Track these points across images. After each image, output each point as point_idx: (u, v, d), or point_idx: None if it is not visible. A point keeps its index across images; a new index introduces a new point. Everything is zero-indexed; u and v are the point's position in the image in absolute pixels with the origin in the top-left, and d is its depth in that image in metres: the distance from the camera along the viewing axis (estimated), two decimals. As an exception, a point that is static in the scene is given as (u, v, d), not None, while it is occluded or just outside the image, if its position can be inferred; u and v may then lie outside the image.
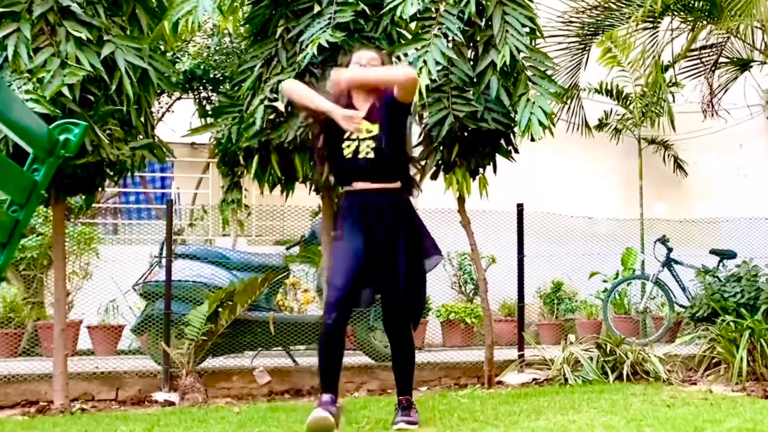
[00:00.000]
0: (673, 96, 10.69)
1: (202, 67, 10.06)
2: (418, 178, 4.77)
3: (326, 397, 4.29)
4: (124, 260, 9.05)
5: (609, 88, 11.36)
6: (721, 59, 8.62)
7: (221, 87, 9.90)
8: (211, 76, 10.19)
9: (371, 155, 4.43)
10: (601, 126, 11.46)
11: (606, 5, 7.67)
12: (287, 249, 8.11)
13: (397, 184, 4.52)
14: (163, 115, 10.82)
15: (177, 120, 10.48)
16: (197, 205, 11.65)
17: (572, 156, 11.58)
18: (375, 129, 4.45)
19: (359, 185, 4.50)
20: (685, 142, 11.70)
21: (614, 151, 11.84)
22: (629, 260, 11.17)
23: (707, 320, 7.62)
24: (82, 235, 8.98)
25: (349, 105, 4.51)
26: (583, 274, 10.62)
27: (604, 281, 10.65)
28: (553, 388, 6.59)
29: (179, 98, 10.88)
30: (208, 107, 10.15)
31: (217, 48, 10.18)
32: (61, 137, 2.42)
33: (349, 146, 4.45)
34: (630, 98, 11.41)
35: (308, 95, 4.56)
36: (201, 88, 10.26)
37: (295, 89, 4.70)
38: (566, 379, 6.82)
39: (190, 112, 10.43)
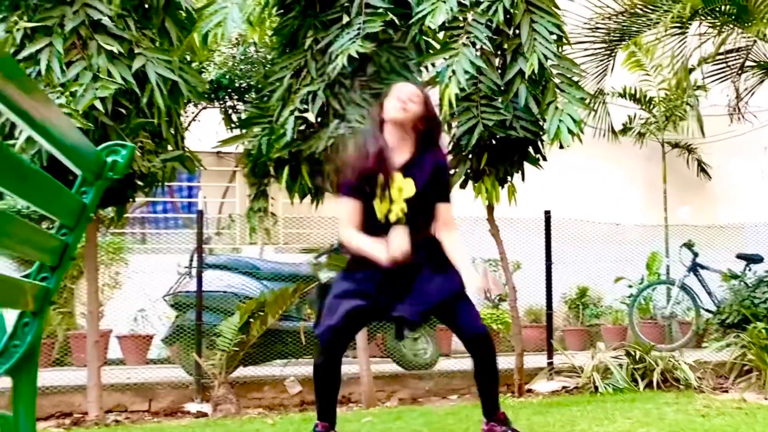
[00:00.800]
0: (697, 99, 10.58)
1: (227, 76, 10.03)
2: None
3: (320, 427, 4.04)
4: (152, 269, 9.04)
5: (632, 92, 11.29)
6: (748, 62, 8.51)
7: (246, 96, 9.90)
8: (237, 85, 10.16)
9: (402, 219, 3.86)
10: (624, 130, 11.37)
11: (632, 11, 7.59)
12: (316, 258, 8.07)
13: (425, 233, 3.97)
14: (189, 125, 10.80)
15: (203, 129, 10.47)
16: (224, 214, 11.64)
17: (596, 160, 11.49)
18: (409, 189, 3.90)
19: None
20: (709, 145, 11.58)
21: (638, 155, 11.75)
22: (654, 265, 11.07)
23: (737, 327, 7.51)
24: (112, 245, 8.98)
25: (387, 155, 3.92)
26: (607, 279, 10.53)
27: (629, 286, 10.55)
28: (584, 396, 6.51)
29: (205, 108, 10.87)
30: (233, 116, 10.13)
31: (242, 57, 10.16)
32: (109, 159, 2.38)
33: (380, 210, 3.88)
34: (653, 102, 11.32)
35: (359, 250, 3.92)
36: (227, 97, 10.23)
37: (351, 245, 3.97)
38: (596, 387, 6.75)
39: (216, 122, 10.41)
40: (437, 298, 3.86)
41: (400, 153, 3.95)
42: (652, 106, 11.39)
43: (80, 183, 2.37)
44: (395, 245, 3.79)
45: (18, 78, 1.69)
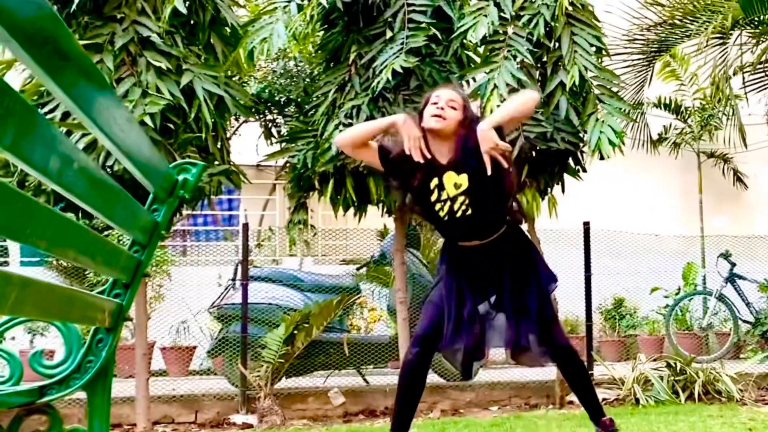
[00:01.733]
0: (734, 110, 10.48)
1: (267, 90, 10.08)
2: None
3: None
4: (193, 281, 9.10)
5: (667, 102, 11.20)
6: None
7: (286, 110, 9.93)
8: (277, 99, 10.21)
9: (469, 212, 3.79)
10: (660, 140, 11.29)
11: (671, 22, 7.54)
12: (357, 269, 8.07)
13: (503, 229, 3.89)
14: (230, 138, 10.87)
15: (244, 143, 10.52)
16: (264, 227, 11.68)
17: (632, 170, 11.40)
18: (464, 181, 3.80)
19: (465, 244, 3.88)
20: (745, 154, 11.46)
21: (673, 165, 11.66)
22: (690, 275, 10.96)
23: (780, 338, 7.41)
24: (155, 257, 9.04)
25: (430, 157, 3.85)
26: (643, 289, 10.44)
27: (666, 296, 10.45)
28: (626, 408, 6.45)
29: (246, 121, 10.93)
30: (273, 130, 10.17)
31: (282, 72, 10.20)
32: (180, 177, 2.40)
33: (442, 208, 3.81)
34: (688, 112, 11.24)
35: (360, 129, 4.15)
36: (267, 111, 10.28)
37: (347, 134, 4.15)
38: (637, 400, 6.68)
39: (256, 135, 10.46)
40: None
41: (445, 153, 3.84)
42: (687, 116, 11.30)
43: (152, 200, 2.39)
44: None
45: (104, 92, 1.70)
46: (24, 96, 5.81)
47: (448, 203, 3.80)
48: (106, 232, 6.76)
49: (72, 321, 2.17)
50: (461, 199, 3.78)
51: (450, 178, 3.80)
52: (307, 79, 9.49)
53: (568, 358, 4.03)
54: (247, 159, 10.78)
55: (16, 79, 6.09)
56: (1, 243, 9.71)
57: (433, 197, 3.81)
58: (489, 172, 3.72)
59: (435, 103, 3.88)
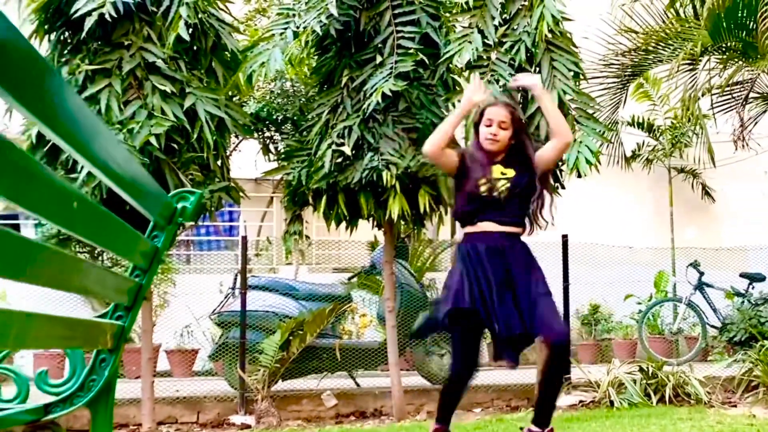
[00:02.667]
0: (703, 129, 10.51)
1: (266, 109, 10.07)
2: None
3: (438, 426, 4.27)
4: (196, 288, 9.06)
5: (640, 121, 11.23)
6: (752, 94, 8.45)
7: (283, 127, 9.91)
8: (274, 117, 10.19)
9: (505, 194, 4.03)
10: (633, 157, 11.32)
11: (644, 48, 7.55)
12: (348, 279, 8.06)
13: (521, 230, 4.13)
14: (230, 154, 10.85)
15: (243, 158, 10.51)
16: (262, 237, 11.65)
17: (607, 185, 11.39)
18: (510, 173, 4.10)
19: (485, 225, 4.06)
20: (712, 170, 11.49)
21: (646, 180, 11.68)
22: (661, 283, 10.97)
23: (744, 344, 7.42)
24: (161, 266, 9.00)
25: (483, 157, 4.16)
26: (617, 296, 10.44)
27: (639, 303, 10.45)
28: (601, 411, 6.43)
29: (245, 138, 10.92)
30: (271, 146, 10.16)
31: (279, 92, 10.19)
32: (179, 205, 2.38)
33: (485, 185, 4.05)
34: (660, 130, 11.27)
35: (441, 128, 4.25)
36: (265, 129, 10.27)
37: (433, 139, 4.20)
38: (612, 402, 6.66)
39: (255, 151, 10.44)
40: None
41: (498, 155, 4.16)
42: (659, 134, 11.33)
43: (152, 228, 2.37)
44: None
45: (98, 130, 1.68)
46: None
47: (491, 183, 4.06)
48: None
49: (75, 347, 2.15)
50: (503, 182, 4.07)
51: (498, 168, 4.12)
52: (303, 99, 9.48)
53: (562, 351, 4.04)
54: (247, 173, 10.77)
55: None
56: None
57: (480, 175, 4.08)
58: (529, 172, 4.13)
59: (488, 126, 4.15)
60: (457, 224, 4.64)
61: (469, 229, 4.12)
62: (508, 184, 4.06)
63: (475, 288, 3.95)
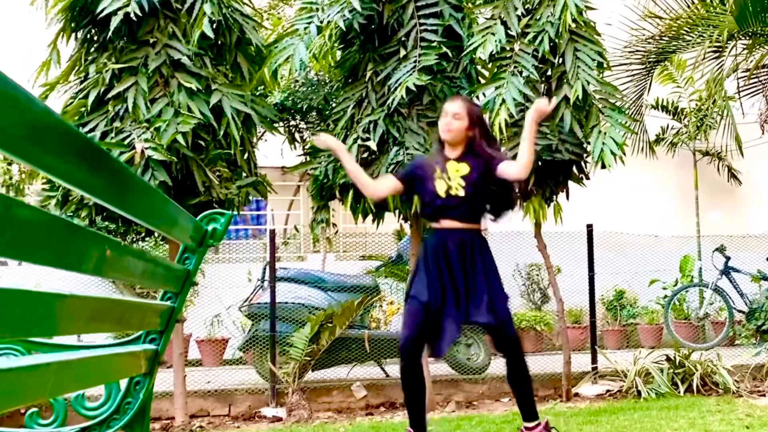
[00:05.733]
0: (727, 112, 10.33)
1: (290, 99, 10.04)
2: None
3: None
4: (225, 278, 9.10)
5: (665, 104, 11.07)
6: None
7: (308, 116, 9.89)
8: (299, 106, 10.17)
9: (461, 193, 4.16)
10: (658, 140, 11.17)
11: (669, 34, 7.42)
12: (376, 270, 8.05)
13: (480, 225, 4.28)
14: (256, 143, 10.85)
15: (269, 147, 10.49)
16: (289, 225, 11.66)
17: (632, 169, 11.26)
18: (464, 169, 4.22)
19: (446, 223, 4.20)
20: (738, 152, 11.31)
21: (670, 164, 11.52)
22: (687, 267, 10.86)
23: (773, 331, 7.33)
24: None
25: (443, 154, 4.32)
26: (642, 280, 10.35)
27: (664, 288, 10.36)
28: (629, 402, 6.38)
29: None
30: (296, 135, 10.15)
31: (304, 81, 10.16)
32: (209, 227, 2.37)
33: (441, 185, 4.19)
34: (684, 113, 11.11)
35: (355, 179, 4.44)
36: (290, 118, 10.25)
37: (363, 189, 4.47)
38: (639, 392, 6.61)
39: (281, 139, 10.43)
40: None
41: (454, 150, 4.30)
42: (683, 117, 11.17)
43: (182, 251, 2.36)
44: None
45: (126, 177, 1.67)
46: (65, 117, 5.79)
47: (447, 182, 4.20)
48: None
49: (113, 380, 2.15)
50: (458, 181, 4.19)
51: (453, 166, 4.24)
52: (327, 88, 9.44)
53: (516, 352, 4.22)
54: (273, 161, 10.75)
55: (57, 101, 6.07)
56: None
57: (436, 175, 4.22)
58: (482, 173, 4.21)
59: (444, 117, 4.33)
60: None
61: (434, 225, 4.30)
62: (463, 183, 4.19)
63: (436, 282, 4.08)
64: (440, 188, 4.20)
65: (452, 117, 4.28)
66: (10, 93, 0.91)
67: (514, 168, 4.16)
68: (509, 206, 4.41)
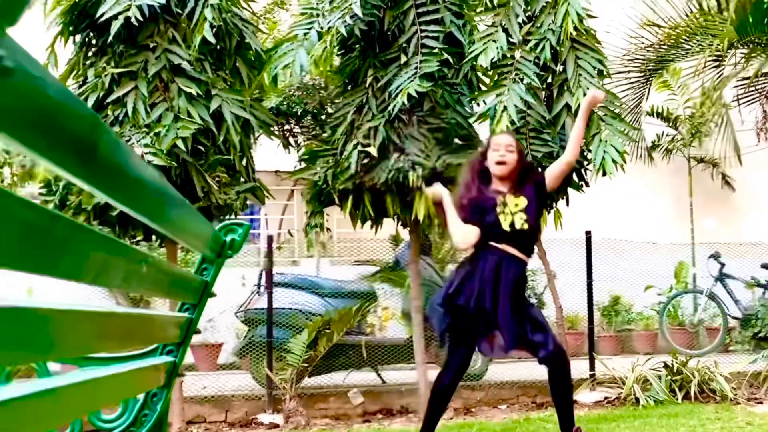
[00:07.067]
0: (724, 119, 10.40)
1: (285, 103, 10.04)
2: None
3: None
4: (218, 282, 9.04)
5: (660, 111, 11.14)
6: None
7: (303, 120, 9.89)
8: (294, 111, 10.16)
9: (526, 226, 4.35)
10: (653, 147, 11.23)
11: (668, 43, 7.47)
12: (373, 275, 8.06)
13: (529, 258, 4.46)
14: (254, 149, 10.84)
15: (263, 150, 10.48)
16: (283, 230, 11.64)
17: (628, 175, 11.31)
18: (522, 203, 4.39)
19: (504, 247, 4.37)
20: (732, 159, 11.38)
21: (665, 170, 11.59)
22: (681, 274, 10.92)
23: (769, 339, 7.37)
24: (183, 261, 9.02)
25: (492, 188, 4.49)
26: (637, 286, 10.39)
27: (659, 294, 10.41)
28: (627, 410, 6.41)
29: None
30: (291, 139, 10.14)
31: (300, 85, 10.15)
32: (228, 238, 2.37)
33: (505, 220, 4.35)
34: (679, 120, 11.18)
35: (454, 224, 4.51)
36: (284, 122, 10.24)
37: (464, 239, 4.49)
38: (637, 399, 6.64)
39: (274, 144, 10.41)
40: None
41: (504, 183, 4.47)
42: (678, 124, 11.23)
43: (201, 261, 2.36)
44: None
45: (164, 195, 1.66)
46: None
47: (510, 217, 4.35)
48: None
49: (134, 396, 2.14)
50: (521, 216, 4.35)
51: (512, 200, 4.39)
52: (323, 92, 9.45)
53: (561, 362, 4.40)
54: (267, 165, 10.73)
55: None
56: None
57: (498, 209, 4.37)
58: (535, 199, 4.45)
59: (496, 150, 4.46)
60: None
61: (492, 244, 4.40)
62: (525, 216, 4.35)
63: (477, 287, 4.27)
64: (504, 222, 4.35)
65: (506, 149, 4.44)
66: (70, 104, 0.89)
67: (562, 158, 4.46)
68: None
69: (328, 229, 8.44)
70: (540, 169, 6.28)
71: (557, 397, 4.44)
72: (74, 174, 0.89)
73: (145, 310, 2.19)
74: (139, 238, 7.00)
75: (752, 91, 8.24)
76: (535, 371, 7.55)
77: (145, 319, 1.97)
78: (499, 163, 4.40)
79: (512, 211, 4.35)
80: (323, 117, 8.85)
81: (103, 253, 1.15)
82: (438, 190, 4.70)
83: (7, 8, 0.53)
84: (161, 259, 1.90)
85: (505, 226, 4.33)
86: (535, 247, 6.76)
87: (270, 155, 10.48)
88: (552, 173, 4.51)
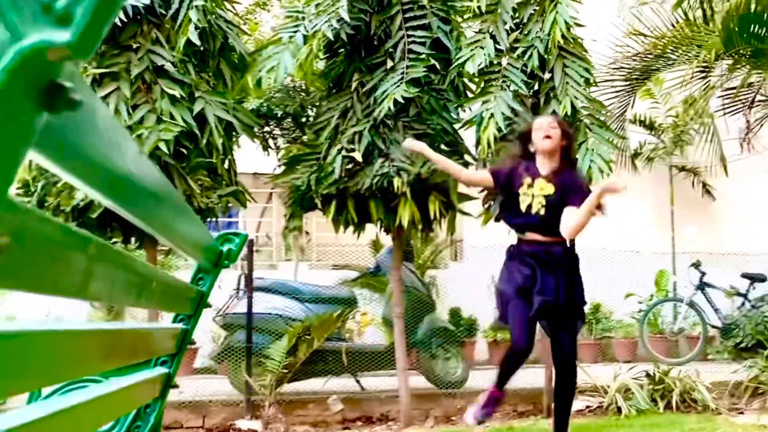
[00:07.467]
0: (709, 129, 10.51)
1: (266, 105, 10.02)
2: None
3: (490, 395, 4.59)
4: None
5: (642, 119, 11.23)
6: (758, 97, 8.47)
7: (283, 123, 9.87)
8: (274, 113, 10.14)
9: (542, 212, 4.44)
10: (636, 155, 11.32)
11: (654, 52, 7.54)
12: (354, 281, 8.07)
13: (560, 238, 4.47)
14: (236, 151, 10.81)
15: (241, 153, 10.45)
16: (261, 233, 11.61)
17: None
18: (550, 190, 4.46)
19: (531, 236, 4.52)
20: (717, 168, 11.50)
21: (647, 178, 11.68)
22: (662, 282, 11.02)
23: (751, 350, 7.47)
24: (161, 263, 8.97)
25: (533, 167, 4.55)
26: (617, 294, 10.47)
27: (640, 302, 10.50)
28: (610, 420, 6.46)
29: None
30: (270, 142, 10.13)
31: (280, 87, 10.14)
32: (224, 248, 2.37)
33: (524, 201, 4.48)
34: (661, 128, 11.29)
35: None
36: (265, 124, 10.22)
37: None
38: (619, 408, 6.69)
39: (253, 146, 10.39)
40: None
41: (547, 165, 4.53)
42: (660, 132, 11.34)
43: (197, 271, 2.36)
44: None
45: (171, 196, 1.66)
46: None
47: (530, 198, 4.46)
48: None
49: (130, 411, 2.13)
50: (540, 200, 4.44)
51: (540, 183, 4.48)
52: (303, 95, 9.43)
53: (570, 370, 4.64)
54: (245, 168, 10.70)
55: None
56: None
57: (521, 190, 4.49)
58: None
59: (539, 130, 4.55)
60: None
61: (520, 236, 4.61)
62: (544, 202, 4.43)
63: (519, 279, 4.41)
64: (523, 204, 4.50)
65: (549, 126, 4.54)
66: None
67: (565, 223, 4.39)
68: None
69: (306, 233, 8.43)
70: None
71: (559, 402, 4.68)
72: (108, 197, 0.89)
73: (141, 325, 2.18)
74: (116, 240, 6.97)
75: (737, 101, 8.34)
76: (516, 380, 7.60)
77: (142, 335, 1.96)
78: (546, 137, 4.49)
79: (534, 194, 4.45)
80: (304, 120, 8.84)
81: (123, 272, 1.15)
82: (415, 142, 4.91)
83: (84, 41, 0.54)
84: (162, 270, 1.90)
85: (523, 206, 4.46)
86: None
87: (249, 157, 10.44)
88: (564, 212, 4.45)
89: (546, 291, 4.36)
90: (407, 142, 5.08)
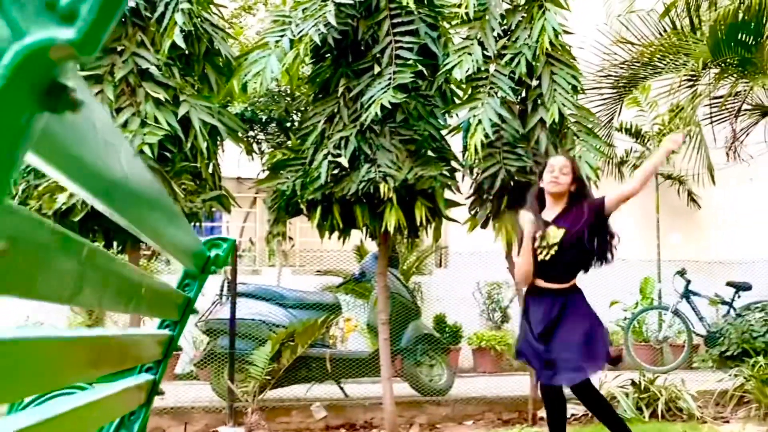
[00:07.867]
0: (695, 137, 10.57)
1: (250, 110, 9.99)
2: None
3: None
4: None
5: (628, 127, 11.29)
6: (744, 105, 8.54)
7: (268, 127, 9.85)
8: (259, 117, 10.12)
9: (547, 258, 4.55)
10: (622, 163, 11.38)
11: (641, 60, 7.58)
12: (338, 287, 8.04)
13: (569, 284, 4.59)
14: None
15: (225, 157, 10.42)
16: (245, 238, 11.57)
17: (595, 191, 11.47)
18: (559, 235, 4.56)
19: (539, 283, 4.61)
20: (704, 176, 11.57)
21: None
22: (647, 289, 11.07)
23: (736, 358, 7.50)
24: (144, 268, 8.91)
25: (541, 215, 4.65)
26: (602, 301, 10.49)
27: (624, 310, 10.53)
28: (596, 428, 6.45)
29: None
30: (255, 146, 10.10)
31: (264, 92, 10.12)
32: (212, 253, 2.34)
33: (541, 252, 4.58)
34: (647, 136, 11.35)
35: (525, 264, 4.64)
36: (249, 129, 10.20)
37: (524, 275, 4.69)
38: (605, 416, 6.69)
39: (237, 151, 10.36)
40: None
41: (554, 209, 4.65)
42: (646, 140, 11.40)
43: (183, 277, 2.33)
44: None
45: (163, 201, 1.64)
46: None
47: (546, 249, 4.55)
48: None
49: (114, 419, 2.11)
50: (554, 248, 4.54)
51: (552, 231, 4.58)
52: (288, 99, 9.41)
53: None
54: (229, 172, 10.67)
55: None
56: None
57: (536, 243, 4.58)
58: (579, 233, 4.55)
59: (551, 172, 4.64)
60: None
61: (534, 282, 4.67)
62: (557, 248, 4.53)
63: (529, 334, 4.57)
64: (541, 255, 4.59)
65: (560, 171, 4.63)
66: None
67: (627, 185, 4.60)
68: (605, 260, 4.80)
69: (290, 238, 8.41)
70: (512, 183, 6.38)
71: (600, 416, 4.89)
72: (99, 199, 0.88)
73: (128, 331, 2.15)
74: (98, 245, 6.92)
75: (723, 110, 8.39)
76: (501, 387, 7.62)
77: (129, 342, 1.94)
78: (552, 182, 4.60)
79: (548, 243, 4.55)
80: (289, 125, 8.82)
81: (115, 278, 1.13)
82: (528, 222, 4.70)
83: (89, 39, 0.52)
84: (151, 275, 1.87)
85: (540, 258, 4.56)
86: (506, 261, 6.84)
87: (232, 162, 10.42)
88: (611, 199, 4.66)
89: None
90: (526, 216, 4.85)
